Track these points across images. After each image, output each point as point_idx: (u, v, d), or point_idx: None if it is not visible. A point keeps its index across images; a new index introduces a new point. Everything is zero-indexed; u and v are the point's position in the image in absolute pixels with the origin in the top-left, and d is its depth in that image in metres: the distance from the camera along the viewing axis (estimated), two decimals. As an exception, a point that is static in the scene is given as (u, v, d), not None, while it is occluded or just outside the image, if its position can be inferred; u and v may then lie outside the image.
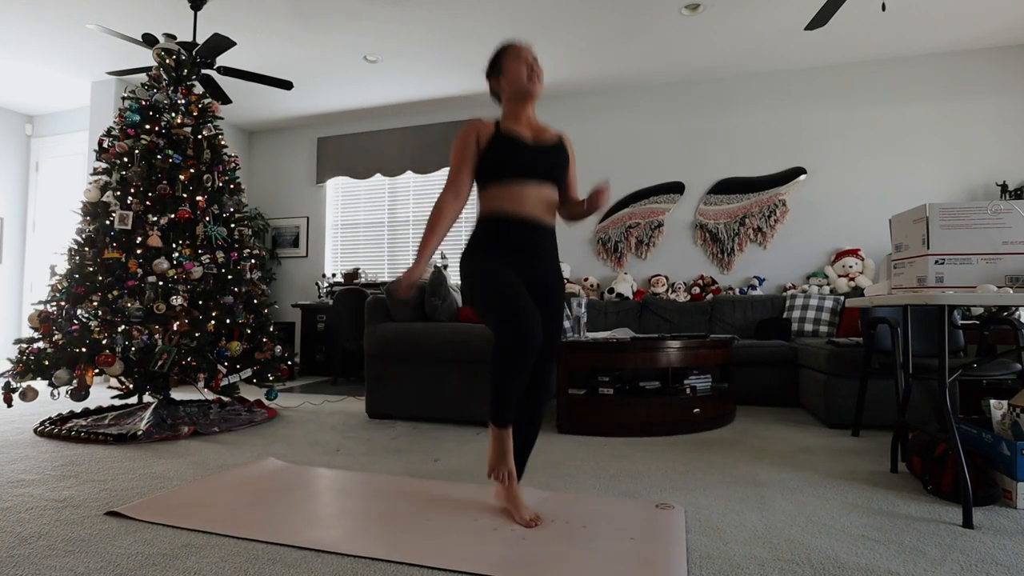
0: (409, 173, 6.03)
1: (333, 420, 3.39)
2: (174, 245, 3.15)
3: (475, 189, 1.84)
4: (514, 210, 1.73)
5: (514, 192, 1.73)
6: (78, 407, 3.76)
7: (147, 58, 4.73)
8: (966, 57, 4.64)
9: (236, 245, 3.45)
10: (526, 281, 1.75)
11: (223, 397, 3.50)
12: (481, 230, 1.77)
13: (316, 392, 4.62)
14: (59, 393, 3.06)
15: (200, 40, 4.36)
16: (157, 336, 2.97)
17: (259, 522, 1.68)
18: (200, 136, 3.36)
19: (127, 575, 1.35)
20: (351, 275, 5.84)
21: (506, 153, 1.73)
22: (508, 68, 1.80)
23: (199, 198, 3.26)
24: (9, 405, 2.95)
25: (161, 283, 3.04)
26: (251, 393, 4.43)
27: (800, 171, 4.95)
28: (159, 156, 3.19)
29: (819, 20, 3.28)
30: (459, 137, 1.79)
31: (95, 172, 3.29)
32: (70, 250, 3.15)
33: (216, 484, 2.05)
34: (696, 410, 3.03)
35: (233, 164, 3.55)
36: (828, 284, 4.72)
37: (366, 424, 3.28)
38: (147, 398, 4.09)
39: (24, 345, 2.99)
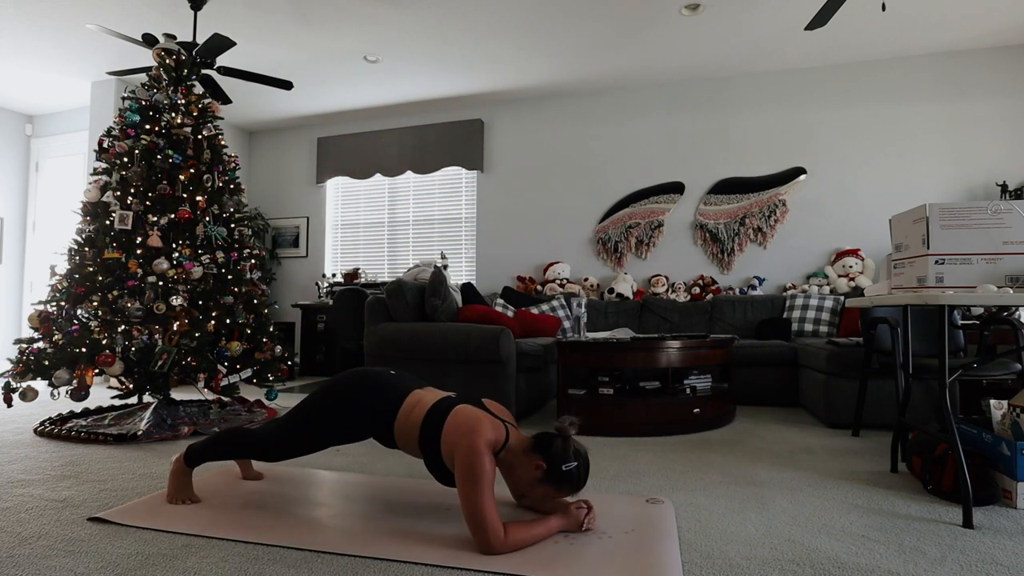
0: (409, 173, 6.03)
1: (333, 420, 3.39)
2: (174, 245, 3.15)
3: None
4: None
5: None
6: (78, 407, 3.76)
7: (147, 58, 4.73)
8: (966, 57, 4.63)
9: (236, 245, 3.45)
10: None
11: (223, 397, 3.49)
12: None
13: (316, 392, 4.61)
14: (59, 393, 3.05)
15: (200, 40, 4.36)
16: (157, 336, 2.97)
17: (257, 524, 1.68)
18: (200, 136, 3.36)
19: (127, 575, 1.35)
20: (351, 275, 5.84)
21: None
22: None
23: (199, 198, 3.26)
24: (9, 405, 2.95)
25: (161, 283, 3.04)
26: (251, 393, 4.43)
27: (800, 171, 4.95)
28: (159, 156, 3.19)
29: (819, 20, 3.28)
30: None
31: (95, 172, 3.29)
32: (70, 250, 3.15)
33: (207, 485, 2.05)
34: (696, 410, 3.02)
35: (233, 164, 3.54)
36: (828, 284, 4.72)
37: (366, 424, 3.28)
38: (147, 398, 4.10)
39: (24, 345, 2.99)
